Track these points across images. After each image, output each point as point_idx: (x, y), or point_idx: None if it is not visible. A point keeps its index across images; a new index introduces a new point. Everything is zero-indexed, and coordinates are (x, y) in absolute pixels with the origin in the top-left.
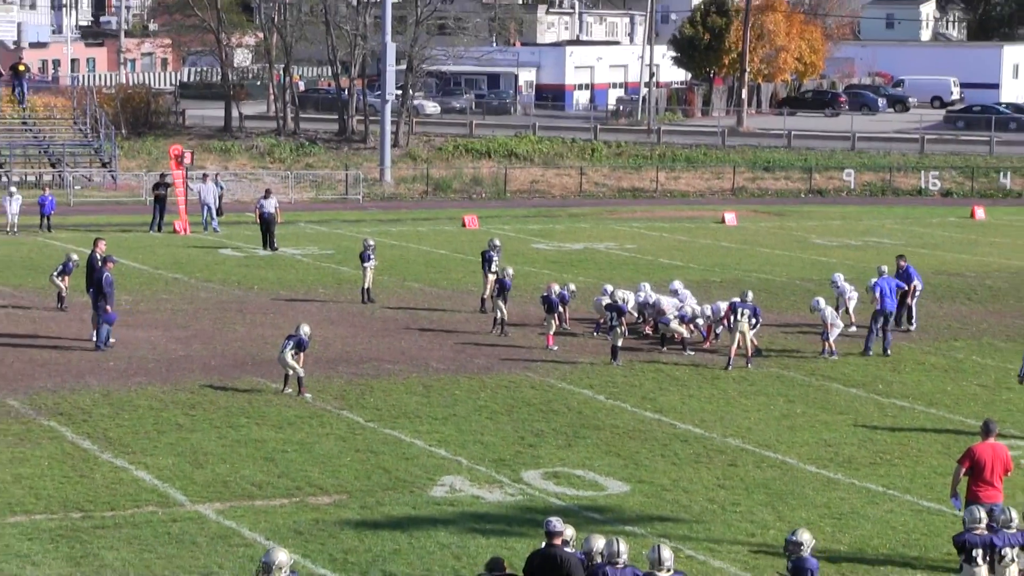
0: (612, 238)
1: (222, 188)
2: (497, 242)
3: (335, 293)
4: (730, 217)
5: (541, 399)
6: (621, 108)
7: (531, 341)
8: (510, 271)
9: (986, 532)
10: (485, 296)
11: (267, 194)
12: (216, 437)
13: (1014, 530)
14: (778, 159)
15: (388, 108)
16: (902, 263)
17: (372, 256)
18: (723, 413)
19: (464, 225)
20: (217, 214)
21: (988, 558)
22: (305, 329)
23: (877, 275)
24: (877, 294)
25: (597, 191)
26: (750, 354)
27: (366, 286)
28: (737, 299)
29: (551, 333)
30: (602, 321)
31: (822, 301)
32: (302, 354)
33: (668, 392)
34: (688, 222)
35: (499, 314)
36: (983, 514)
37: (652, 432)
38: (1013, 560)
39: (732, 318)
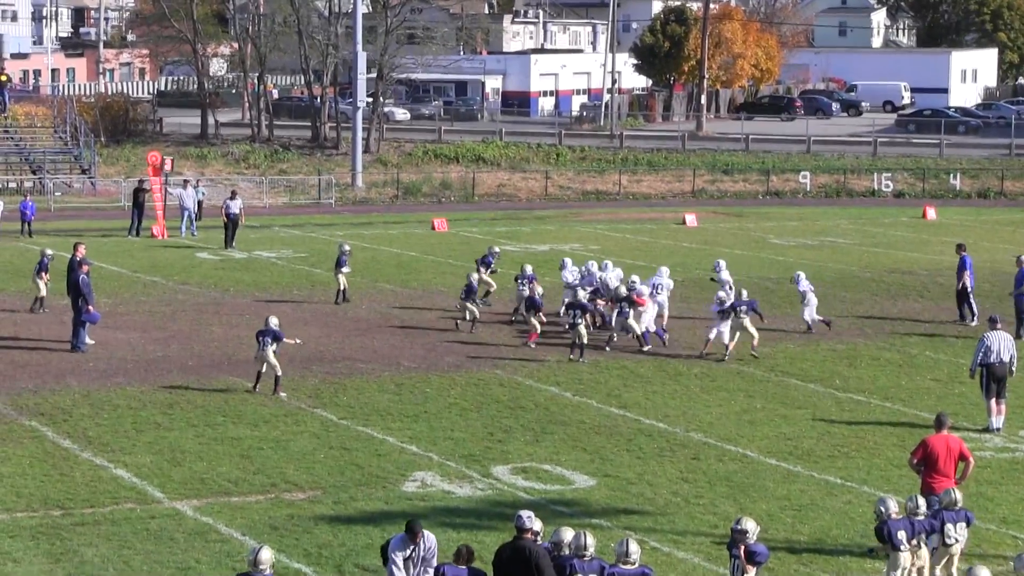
0: (577, 239)
1: (203, 194)
2: (496, 249)
3: (309, 294)
4: (691, 218)
5: (509, 396)
6: (584, 114)
7: (499, 339)
8: (540, 289)
9: (903, 517)
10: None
11: (233, 195)
12: (193, 435)
13: (922, 516)
14: (736, 162)
15: (359, 115)
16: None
17: (347, 262)
18: (686, 408)
19: (434, 228)
20: (196, 219)
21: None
22: (274, 320)
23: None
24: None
25: (562, 194)
26: (755, 345)
27: (342, 288)
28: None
29: (536, 332)
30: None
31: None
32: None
33: (632, 388)
34: (650, 223)
35: (468, 313)
36: (893, 503)
37: (617, 427)
38: (923, 545)
39: (733, 315)
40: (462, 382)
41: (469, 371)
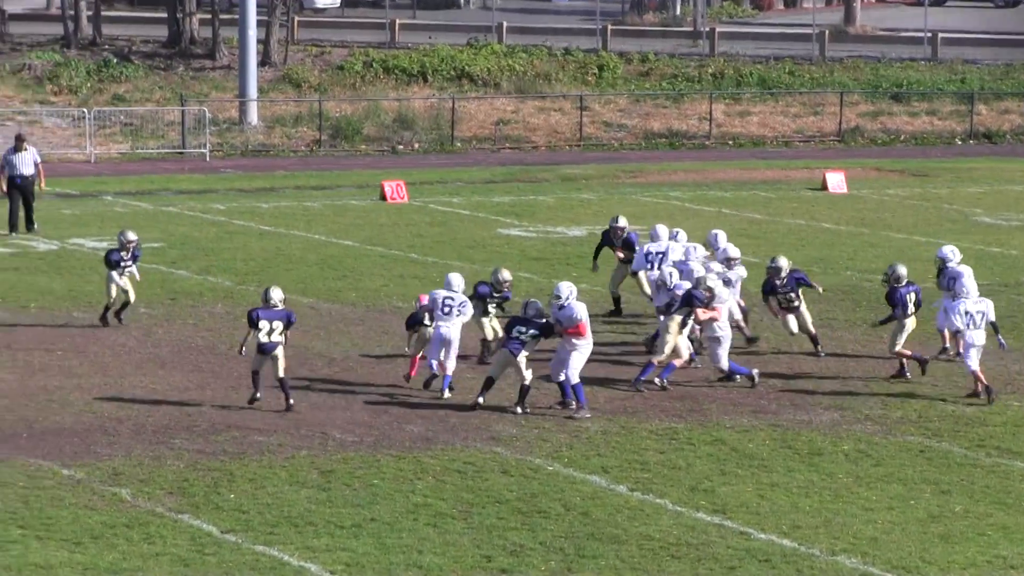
0: (635, 217)
1: None
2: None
3: (167, 313)
4: (836, 179)
5: (520, 492)
6: None
7: (501, 394)
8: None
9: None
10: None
11: (19, 144)
12: None
13: None
14: (917, 80)
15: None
16: None
17: (131, 259)
18: (830, 514)
19: (384, 197)
20: None
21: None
22: None
23: None
24: None
25: (609, 137)
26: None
27: (111, 303)
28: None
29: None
30: None
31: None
32: None
33: (735, 478)
34: (765, 188)
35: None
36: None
37: (710, 547)
38: None
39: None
40: (437, 468)
41: (450, 448)
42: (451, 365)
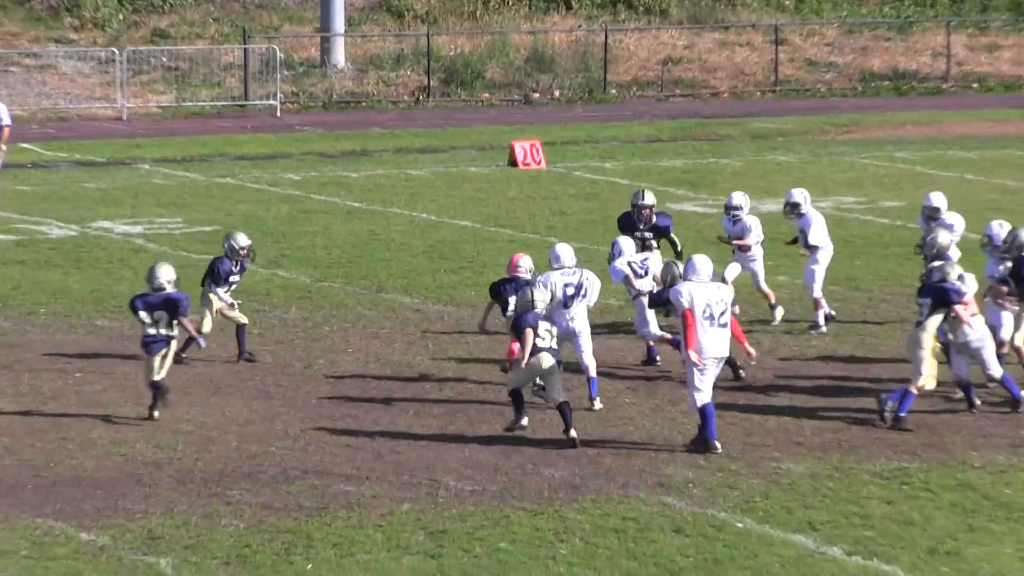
0: (850, 185)
1: None
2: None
3: (222, 320)
4: None
5: (698, 557)
6: None
7: (661, 423)
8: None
9: None
10: None
11: None
12: None
13: None
14: None
15: None
16: None
17: (233, 274)
18: None
19: (514, 161)
20: None
21: None
22: None
23: None
24: None
25: (812, 79)
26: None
27: (206, 323)
28: None
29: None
30: None
31: None
32: None
33: (989, 535)
34: (1018, 145)
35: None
36: None
37: None
38: None
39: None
40: (586, 526)
41: (602, 500)
42: (591, 362)
